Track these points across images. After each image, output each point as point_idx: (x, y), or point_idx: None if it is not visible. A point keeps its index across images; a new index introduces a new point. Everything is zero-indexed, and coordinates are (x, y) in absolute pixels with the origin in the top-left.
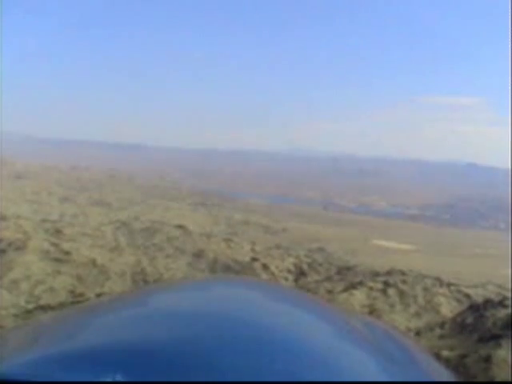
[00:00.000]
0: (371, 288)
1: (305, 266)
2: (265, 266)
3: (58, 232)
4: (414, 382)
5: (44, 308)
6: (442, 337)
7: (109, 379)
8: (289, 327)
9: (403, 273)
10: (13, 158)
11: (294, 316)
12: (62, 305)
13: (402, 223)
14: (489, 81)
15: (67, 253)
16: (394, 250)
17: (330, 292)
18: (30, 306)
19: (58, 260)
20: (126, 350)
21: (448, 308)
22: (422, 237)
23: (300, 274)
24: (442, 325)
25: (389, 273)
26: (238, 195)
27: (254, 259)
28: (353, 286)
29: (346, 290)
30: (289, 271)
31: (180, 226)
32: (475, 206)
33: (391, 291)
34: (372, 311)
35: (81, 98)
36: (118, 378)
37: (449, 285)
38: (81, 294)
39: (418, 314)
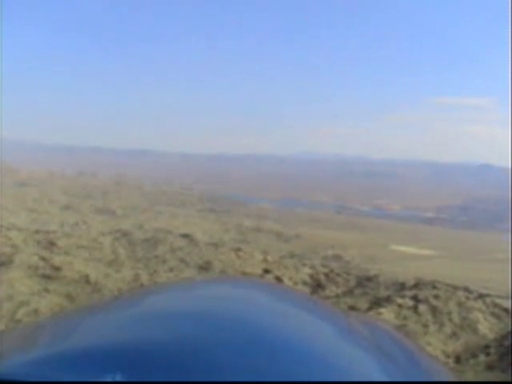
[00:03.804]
0: (400, 305)
1: (322, 277)
2: (278, 279)
3: (51, 244)
4: (414, 381)
5: None
6: (490, 367)
7: (108, 379)
8: (289, 327)
9: (434, 285)
10: (18, 166)
11: (294, 316)
12: None
13: (419, 227)
14: (499, 81)
15: (57, 268)
16: (415, 256)
17: (352, 308)
18: None
19: (46, 277)
20: (125, 350)
21: (486, 326)
22: (442, 241)
23: (317, 286)
24: (485, 349)
25: (417, 285)
26: (248, 200)
27: (266, 271)
28: (379, 303)
29: (371, 307)
30: (304, 283)
31: (186, 235)
32: (491, 207)
33: (422, 308)
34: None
35: (90, 104)
36: (118, 378)
37: (481, 296)
38: None
39: (454, 335)
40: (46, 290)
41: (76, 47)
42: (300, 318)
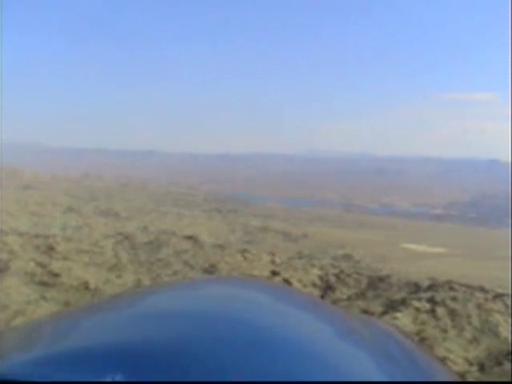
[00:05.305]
0: (417, 309)
1: (332, 278)
2: (286, 281)
3: (50, 249)
4: (413, 381)
5: None
6: None
7: (108, 379)
8: (289, 327)
9: (450, 286)
10: (23, 168)
11: (294, 316)
12: None
13: (428, 224)
14: (503, 76)
15: (56, 275)
16: (426, 255)
17: (365, 312)
18: None
19: (44, 284)
20: (125, 350)
21: (507, 328)
22: (452, 238)
23: (327, 287)
24: (509, 355)
25: (433, 286)
26: (254, 200)
27: (274, 273)
28: (394, 307)
29: (386, 311)
30: (314, 285)
31: (190, 237)
32: (500, 203)
33: (440, 311)
34: (421, 340)
35: (94, 106)
36: (118, 378)
37: (499, 296)
38: None
39: (475, 340)
40: (44, 298)
41: (81, 48)
42: (300, 318)
